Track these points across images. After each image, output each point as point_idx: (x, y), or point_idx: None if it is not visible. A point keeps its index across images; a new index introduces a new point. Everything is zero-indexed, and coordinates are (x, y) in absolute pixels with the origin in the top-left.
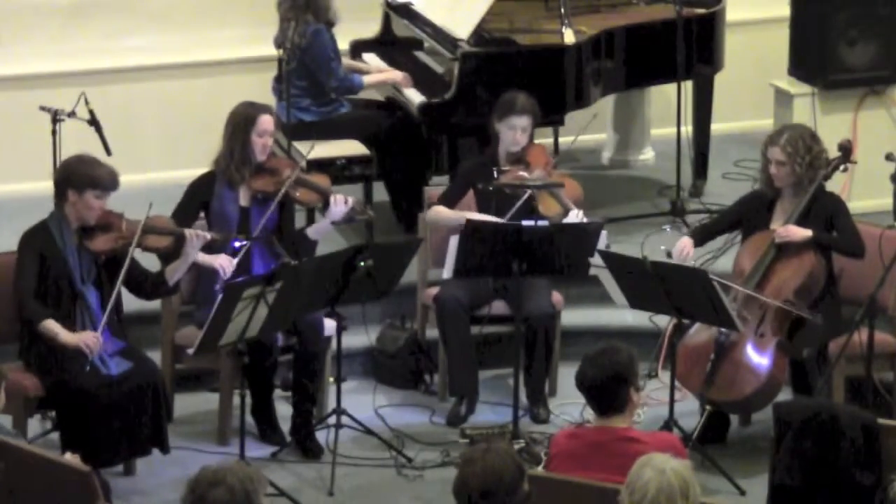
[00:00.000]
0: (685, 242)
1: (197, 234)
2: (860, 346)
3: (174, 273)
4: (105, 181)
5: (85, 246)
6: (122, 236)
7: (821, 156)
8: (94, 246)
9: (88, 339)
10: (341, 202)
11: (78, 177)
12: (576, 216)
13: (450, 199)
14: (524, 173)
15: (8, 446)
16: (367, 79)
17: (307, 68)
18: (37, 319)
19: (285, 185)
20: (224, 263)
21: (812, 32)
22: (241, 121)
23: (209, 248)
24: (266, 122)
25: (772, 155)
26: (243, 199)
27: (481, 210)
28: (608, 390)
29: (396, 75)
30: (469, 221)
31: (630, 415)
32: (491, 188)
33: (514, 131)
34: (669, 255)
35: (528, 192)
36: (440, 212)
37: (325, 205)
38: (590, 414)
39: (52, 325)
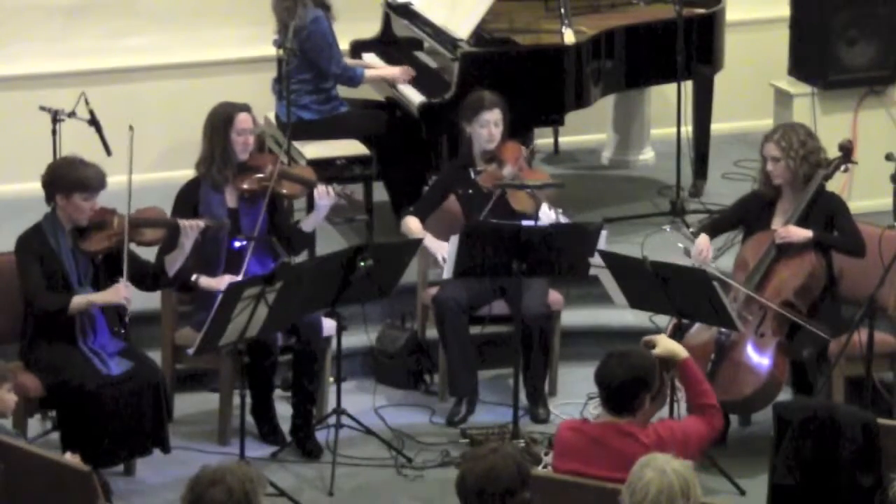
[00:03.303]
0: (704, 242)
1: (190, 224)
2: (860, 346)
3: (172, 264)
4: (92, 182)
5: (80, 247)
6: (116, 233)
7: (816, 151)
8: (88, 246)
9: (122, 292)
10: (323, 194)
11: (64, 180)
12: (546, 211)
13: (423, 210)
14: (496, 171)
15: (8, 446)
16: (368, 72)
17: (308, 58)
18: (64, 304)
19: (271, 183)
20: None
21: (812, 32)
22: (220, 121)
23: (203, 238)
24: (244, 120)
25: (767, 151)
26: (230, 200)
27: (467, 213)
28: (628, 392)
29: (395, 71)
30: (469, 222)
31: (639, 417)
32: (470, 191)
33: (487, 127)
34: (688, 253)
35: (500, 191)
36: (409, 225)
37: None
38: (590, 413)
39: (79, 299)
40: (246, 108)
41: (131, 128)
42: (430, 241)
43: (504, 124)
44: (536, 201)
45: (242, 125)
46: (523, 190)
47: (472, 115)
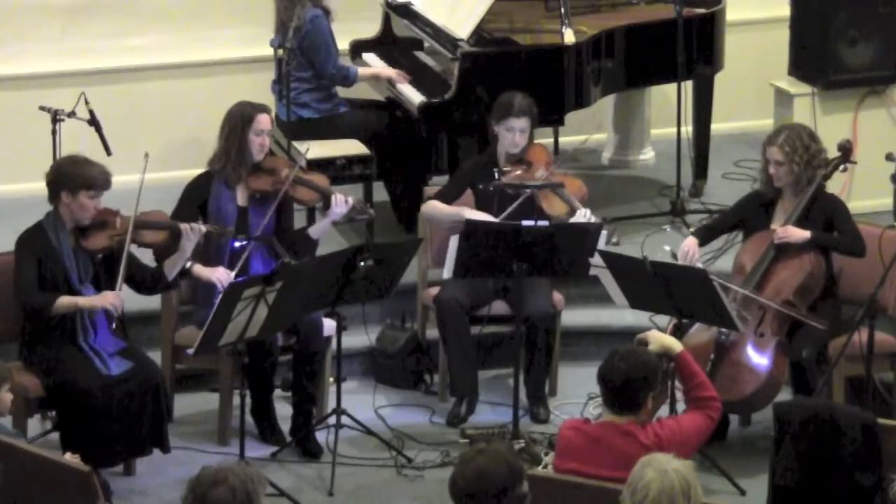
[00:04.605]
0: (690, 243)
1: (192, 227)
2: (860, 346)
3: (172, 267)
4: (98, 181)
5: (81, 246)
6: (118, 233)
7: (819, 154)
8: (90, 245)
9: (111, 298)
10: (342, 202)
11: (70, 178)
12: (583, 215)
13: (446, 197)
14: (526, 173)
15: (8, 446)
16: (361, 70)
17: (307, 56)
18: (49, 303)
19: (285, 185)
20: (221, 277)
21: (812, 32)
22: (239, 120)
23: (206, 241)
24: (264, 120)
25: (770, 155)
26: (240, 198)
27: (481, 209)
28: (631, 389)
29: (390, 71)
30: (469, 222)
31: (641, 417)
32: (492, 188)
33: (512, 133)
34: (674, 255)
35: (528, 192)
36: (436, 206)
37: (326, 204)
38: (590, 413)
39: (65, 300)
40: (265, 109)
41: (147, 155)
42: (470, 213)
43: (531, 131)
44: (572, 207)
45: (261, 126)
46: (521, 189)
47: (500, 118)
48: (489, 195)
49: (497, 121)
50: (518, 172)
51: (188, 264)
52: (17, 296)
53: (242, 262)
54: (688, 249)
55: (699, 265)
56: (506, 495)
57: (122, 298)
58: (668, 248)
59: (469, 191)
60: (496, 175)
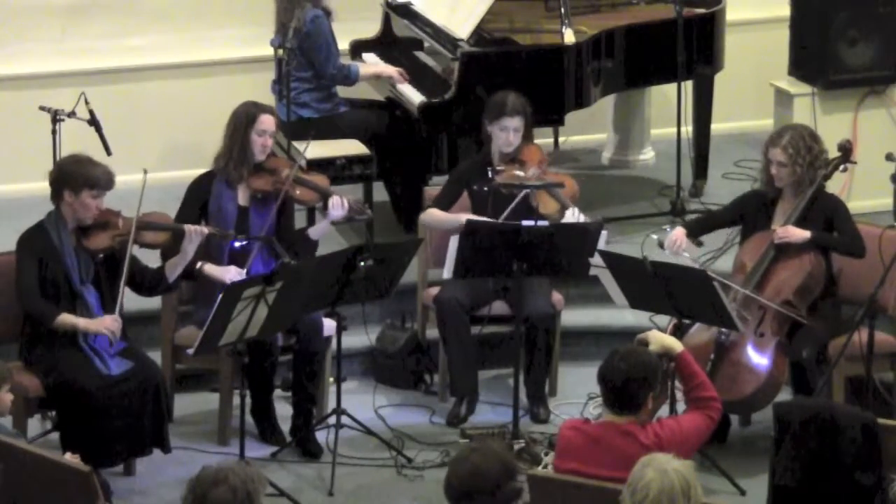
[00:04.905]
0: (678, 234)
1: (195, 230)
2: (860, 346)
3: (173, 269)
4: (101, 180)
5: (83, 245)
6: (120, 233)
7: (821, 156)
8: (91, 244)
9: (108, 323)
10: (339, 205)
11: (74, 177)
12: (573, 214)
13: (443, 202)
14: (519, 172)
15: (8, 446)
16: (363, 69)
17: (308, 56)
18: (50, 316)
19: (285, 186)
20: (234, 276)
21: (812, 32)
22: (242, 119)
23: (207, 242)
24: (267, 121)
25: (773, 156)
26: (241, 198)
27: (476, 211)
28: (631, 389)
29: (391, 70)
30: (469, 222)
31: (641, 417)
32: (486, 189)
33: (506, 133)
34: (662, 245)
35: (524, 191)
36: (434, 214)
37: (325, 205)
38: (590, 413)
39: (67, 318)
40: (270, 110)
41: (145, 171)
42: (468, 219)
43: (526, 130)
44: (562, 205)
45: (263, 126)
46: (529, 190)
47: (494, 118)
48: (484, 195)
49: (490, 121)
50: (512, 171)
51: (199, 264)
52: (18, 297)
53: (243, 262)
54: (675, 239)
55: (686, 255)
56: (500, 490)
57: (120, 322)
58: (655, 236)
59: (466, 192)
60: (489, 174)
